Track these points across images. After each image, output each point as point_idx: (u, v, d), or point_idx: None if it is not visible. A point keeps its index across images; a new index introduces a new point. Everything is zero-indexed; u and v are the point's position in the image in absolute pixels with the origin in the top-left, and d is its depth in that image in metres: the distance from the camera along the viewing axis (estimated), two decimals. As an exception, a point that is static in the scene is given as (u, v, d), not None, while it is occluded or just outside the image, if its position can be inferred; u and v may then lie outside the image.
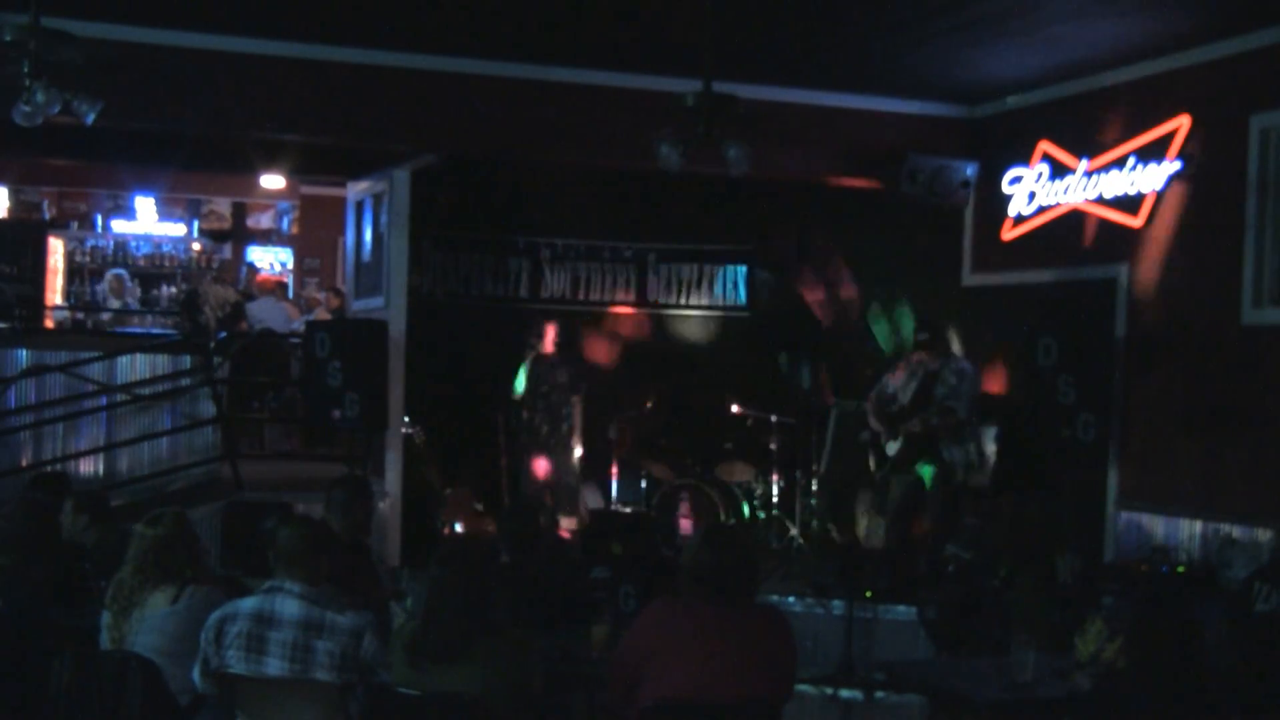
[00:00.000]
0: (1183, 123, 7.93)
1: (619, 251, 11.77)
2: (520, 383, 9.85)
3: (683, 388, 11.21)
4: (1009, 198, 9.30)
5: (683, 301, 11.89)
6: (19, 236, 13.97)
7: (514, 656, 4.22)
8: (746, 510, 10.10)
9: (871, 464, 8.96)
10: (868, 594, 7.58)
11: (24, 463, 8.71)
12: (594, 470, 10.47)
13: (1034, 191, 9.10)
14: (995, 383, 9.41)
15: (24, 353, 8.92)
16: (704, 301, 11.92)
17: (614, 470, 10.56)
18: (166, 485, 8.86)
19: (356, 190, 10.52)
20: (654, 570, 6.80)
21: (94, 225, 14.98)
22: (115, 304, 13.37)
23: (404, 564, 8.21)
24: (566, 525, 9.78)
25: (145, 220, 15.19)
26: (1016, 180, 9.25)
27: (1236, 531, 7.36)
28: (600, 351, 11.41)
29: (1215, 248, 7.72)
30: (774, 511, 10.22)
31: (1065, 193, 8.82)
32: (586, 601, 5.64)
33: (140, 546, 4.82)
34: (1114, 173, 8.42)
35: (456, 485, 10.37)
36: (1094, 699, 4.41)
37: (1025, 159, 9.17)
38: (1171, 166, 8.00)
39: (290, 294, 14.59)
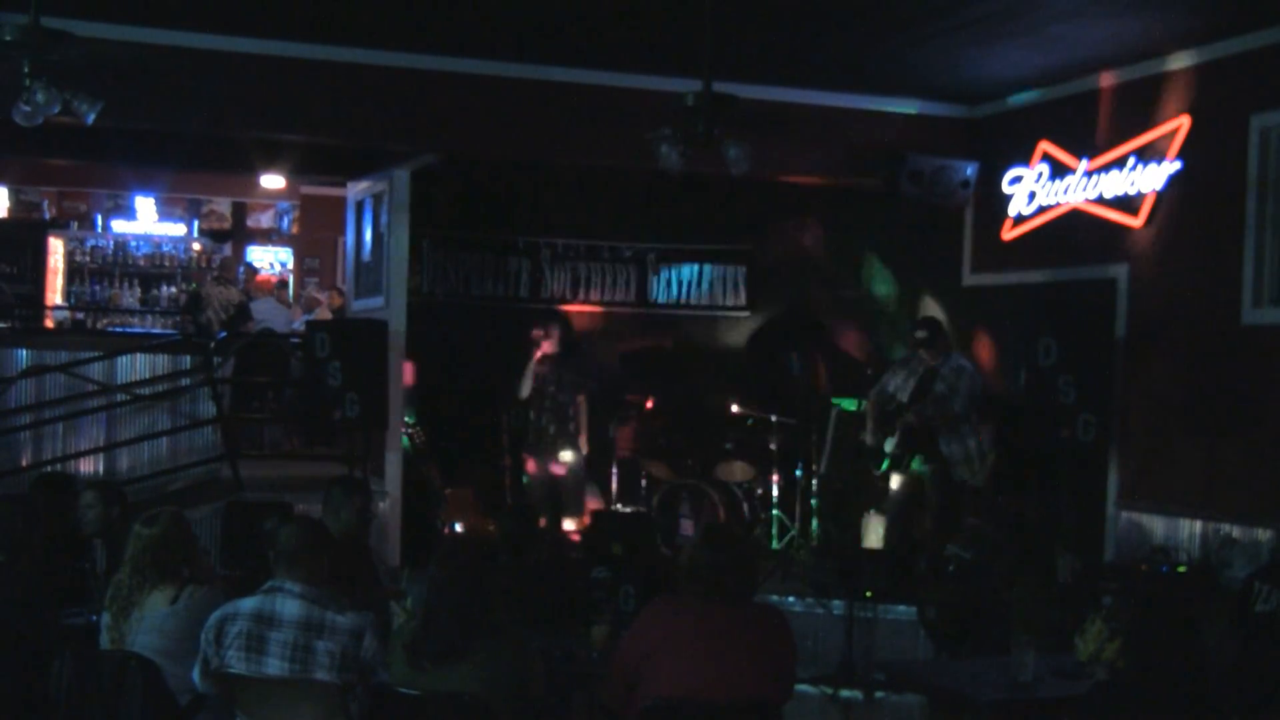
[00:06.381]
0: (1183, 123, 7.93)
1: (619, 251, 11.77)
2: (526, 383, 9.85)
3: (683, 388, 11.21)
4: (1009, 198, 9.30)
5: (683, 301, 11.89)
6: (19, 236, 13.99)
7: (514, 656, 4.22)
8: (746, 510, 10.10)
9: (871, 464, 8.96)
10: (868, 594, 7.58)
11: (24, 463, 8.70)
12: (594, 470, 10.47)
13: (1034, 191, 9.10)
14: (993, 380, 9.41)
15: (24, 353, 8.91)
16: (704, 301, 11.92)
17: (614, 470, 10.56)
18: (166, 485, 8.85)
19: (356, 190, 10.52)
20: (654, 570, 6.79)
21: (94, 225, 14.97)
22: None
23: (404, 564, 8.21)
24: (570, 526, 9.77)
25: (145, 220, 15.18)
26: (1016, 180, 9.25)
27: (1236, 531, 7.36)
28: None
29: (1215, 248, 7.72)
30: (774, 511, 10.22)
31: (1065, 193, 8.82)
32: (586, 601, 5.64)
33: (137, 546, 4.82)
34: (1114, 173, 8.42)
35: (457, 485, 10.37)
36: (1094, 699, 4.41)
37: (1025, 159, 9.17)
38: (1171, 166, 8.00)
39: (290, 294, 14.59)
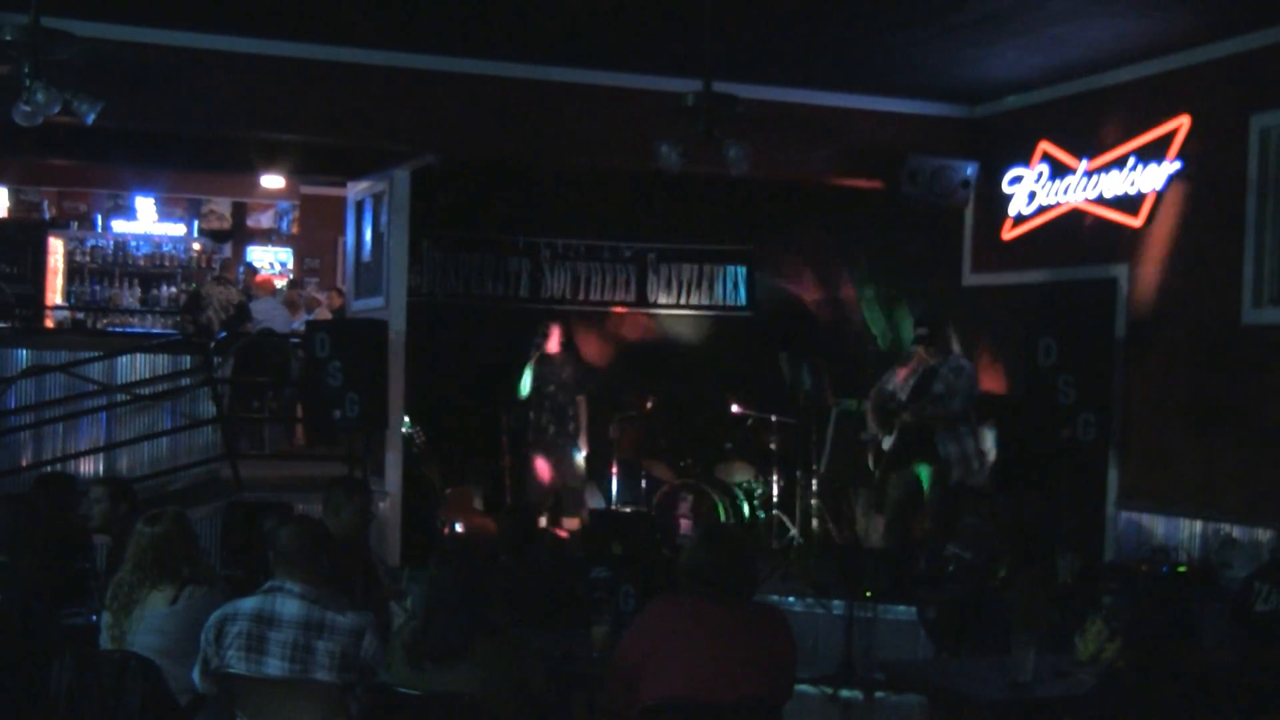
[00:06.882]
0: (1183, 123, 7.93)
1: (619, 251, 11.77)
2: (525, 383, 9.85)
3: (683, 388, 11.21)
4: (1009, 198, 9.30)
5: (683, 301, 11.89)
6: (19, 236, 13.98)
7: (514, 656, 4.22)
8: (746, 510, 10.10)
9: (870, 463, 8.96)
10: (868, 594, 7.58)
11: (24, 463, 8.71)
12: (594, 470, 10.48)
13: (1034, 191, 9.10)
14: (993, 380, 9.42)
15: (24, 353, 8.92)
16: (704, 301, 11.92)
17: (614, 470, 10.56)
18: (167, 485, 8.86)
19: (356, 190, 10.52)
20: (654, 570, 6.79)
21: (94, 225, 14.97)
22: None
23: (404, 564, 8.21)
24: (570, 526, 9.78)
25: (145, 220, 15.19)
26: (1016, 180, 9.25)
27: (1236, 531, 7.36)
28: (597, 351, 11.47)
29: (1215, 248, 7.72)
30: (774, 511, 10.22)
31: (1065, 193, 8.82)
32: (586, 601, 5.64)
33: (140, 544, 4.83)
34: (1114, 173, 8.42)
35: (456, 485, 10.37)
36: (1094, 699, 4.41)
37: (1025, 159, 9.17)
38: (1171, 166, 8.00)
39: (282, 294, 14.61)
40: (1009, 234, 9.36)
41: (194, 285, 13.99)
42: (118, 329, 13.29)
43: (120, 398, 8.96)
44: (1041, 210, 9.06)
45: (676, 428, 10.88)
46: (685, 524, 9.97)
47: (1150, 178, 8.14)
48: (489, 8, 7.61)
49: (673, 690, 4.09)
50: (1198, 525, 7.68)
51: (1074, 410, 7.75)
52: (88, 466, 8.79)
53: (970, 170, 9.39)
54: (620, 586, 5.83)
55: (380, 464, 9.28)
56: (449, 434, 10.68)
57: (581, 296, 11.71)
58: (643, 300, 11.82)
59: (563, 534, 9.63)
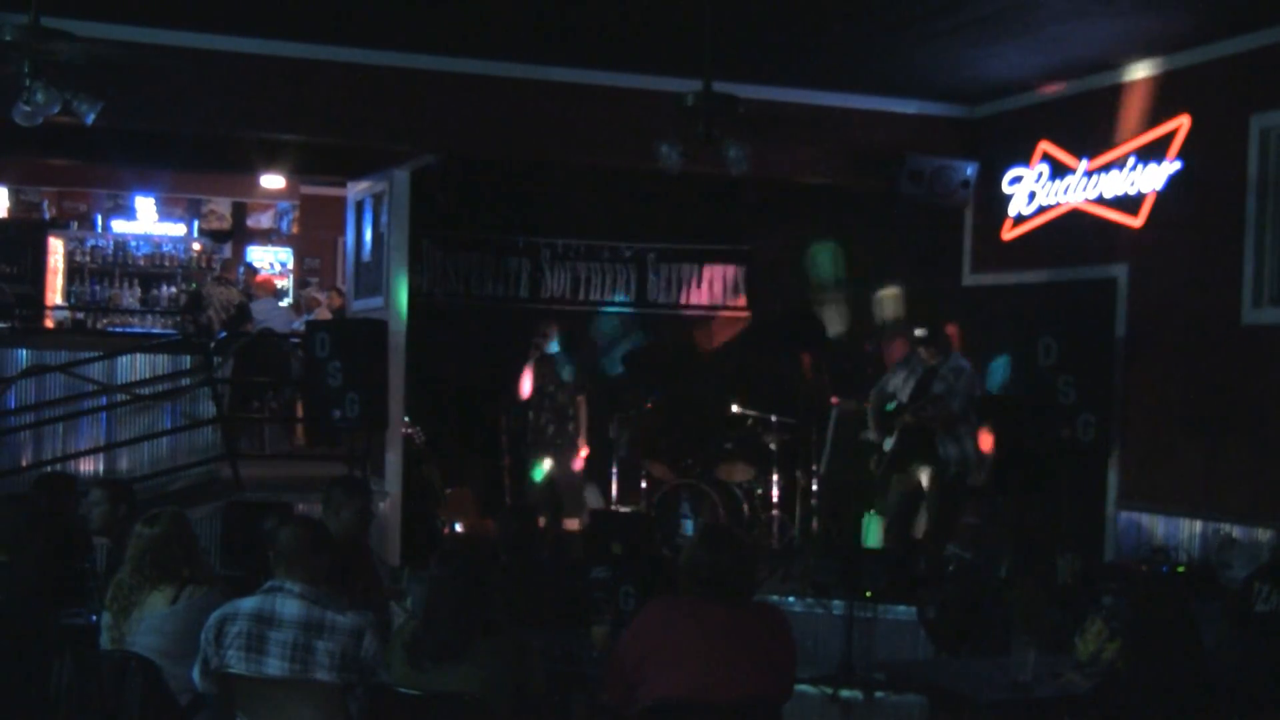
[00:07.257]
0: (1183, 123, 7.93)
1: (619, 251, 11.77)
2: (525, 384, 9.84)
3: (683, 388, 11.21)
4: (1009, 198, 9.30)
5: (683, 301, 11.89)
6: (19, 236, 13.98)
7: (514, 656, 4.23)
8: (746, 510, 10.10)
9: (872, 464, 8.95)
10: (868, 594, 7.58)
11: (24, 463, 8.71)
12: (594, 470, 10.47)
13: (1034, 191, 9.10)
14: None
15: (24, 353, 8.93)
16: (704, 301, 11.92)
17: (614, 470, 10.56)
18: (166, 485, 8.86)
19: (356, 190, 10.53)
20: (654, 570, 6.79)
21: (94, 225, 14.98)
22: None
23: (404, 564, 8.21)
24: (570, 526, 9.77)
25: (145, 220, 15.19)
26: (1016, 180, 9.25)
27: (1236, 531, 7.36)
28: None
29: (1215, 248, 7.72)
30: (774, 511, 10.22)
31: (1065, 193, 8.82)
32: (586, 601, 5.64)
33: (138, 546, 4.82)
34: (1114, 173, 8.42)
35: (457, 485, 10.37)
36: (1094, 699, 4.41)
37: (1025, 159, 9.17)
38: (1171, 166, 8.00)
39: (290, 295, 14.62)
40: (1009, 234, 9.36)
41: (194, 285, 14.00)
42: (118, 329, 13.29)
43: (120, 398, 8.97)
44: (1041, 210, 9.06)
45: (676, 428, 10.87)
46: (685, 524, 9.98)
47: (1150, 178, 8.14)
48: (489, 8, 7.61)
49: (672, 690, 4.10)
50: (1198, 525, 7.68)
51: (1074, 410, 7.76)
52: (88, 466, 8.80)
53: (970, 170, 9.39)
54: (620, 586, 5.83)
55: (380, 464, 9.28)
56: (449, 434, 10.67)
57: (581, 296, 11.71)
58: (643, 300, 11.83)
59: (571, 530, 9.62)
